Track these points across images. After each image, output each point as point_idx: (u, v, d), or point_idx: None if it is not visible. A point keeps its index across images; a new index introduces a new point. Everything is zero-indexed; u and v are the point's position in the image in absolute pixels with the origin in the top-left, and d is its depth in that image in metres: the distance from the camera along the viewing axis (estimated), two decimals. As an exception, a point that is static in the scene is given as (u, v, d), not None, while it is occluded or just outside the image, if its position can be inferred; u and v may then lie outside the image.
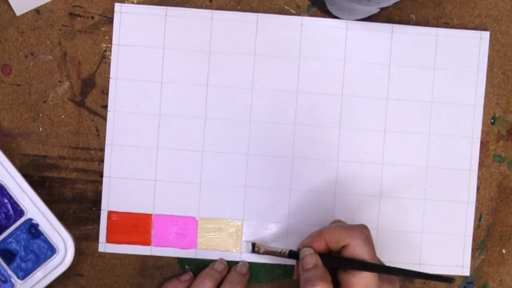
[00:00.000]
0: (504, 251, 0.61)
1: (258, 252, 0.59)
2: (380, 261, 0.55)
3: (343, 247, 0.53)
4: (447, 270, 0.60)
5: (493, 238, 0.61)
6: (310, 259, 0.54)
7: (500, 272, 0.61)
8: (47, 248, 0.57)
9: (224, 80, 0.60)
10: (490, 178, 0.61)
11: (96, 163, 0.60)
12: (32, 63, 0.60)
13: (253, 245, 0.59)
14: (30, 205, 0.57)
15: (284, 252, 0.57)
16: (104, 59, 0.60)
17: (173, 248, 0.60)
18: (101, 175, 0.60)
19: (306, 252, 0.54)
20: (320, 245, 0.54)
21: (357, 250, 0.52)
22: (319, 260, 0.53)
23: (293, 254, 0.56)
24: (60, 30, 0.60)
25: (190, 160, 0.60)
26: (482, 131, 0.61)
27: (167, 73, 0.60)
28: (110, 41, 0.60)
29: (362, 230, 0.53)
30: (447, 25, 0.61)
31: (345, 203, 0.60)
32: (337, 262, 0.54)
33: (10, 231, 0.57)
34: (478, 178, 0.61)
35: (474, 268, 0.61)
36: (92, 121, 0.60)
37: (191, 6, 0.60)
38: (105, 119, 0.60)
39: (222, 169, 0.60)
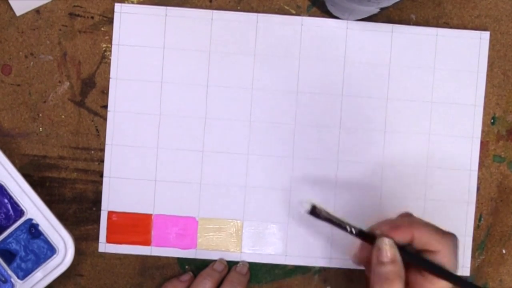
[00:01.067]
0: (504, 251, 0.61)
1: (317, 216, 0.51)
2: None
3: (430, 251, 0.50)
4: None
5: (493, 238, 0.61)
6: (390, 252, 0.50)
7: (500, 272, 0.61)
8: (47, 248, 0.57)
9: (224, 80, 0.60)
10: (490, 178, 0.61)
11: (96, 163, 0.60)
12: (32, 63, 0.60)
13: (314, 207, 0.51)
14: (30, 205, 0.57)
15: (352, 229, 0.51)
16: (104, 59, 0.60)
17: (173, 248, 0.60)
18: (101, 175, 0.60)
19: (387, 243, 0.50)
20: (404, 238, 0.50)
21: (445, 259, 0.50)
22: (398, 255, 0.49)
23: (364, 235, 0.51)
24: (60, 30, 0.60)
25: (190, 160, 0.60)
26: (482, 131, 0.61)
27: (167, 73, 0.60)
28: (110, 41, 0.60)
29: (455, 241, 0.51)
30: (447, 25, 0.61)
31: (345, 203, 0.60)
32: (419, 262, 0.50)
33: (10, 231, 0.57)
34: (478, 178, 0.61)
35: (474, 268, 0.61)
36: (92, 121, 0.60)
37: (191, 6, 0.60)
38: (105, 119, 0.60)
39: (222, 169, 0.60)
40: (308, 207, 0.51)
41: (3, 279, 0.57)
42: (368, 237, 0.51)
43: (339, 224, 0.51)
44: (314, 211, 0.51)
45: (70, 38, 0.60)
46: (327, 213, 0.51)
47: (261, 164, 0.60)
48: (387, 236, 0.50)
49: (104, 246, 0.60)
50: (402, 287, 0.49)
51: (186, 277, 0.59)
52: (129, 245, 0.60)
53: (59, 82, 0.60)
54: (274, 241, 0.60)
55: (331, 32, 0.60)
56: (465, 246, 0.60)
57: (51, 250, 0.57)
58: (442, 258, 0.50)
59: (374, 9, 0.56)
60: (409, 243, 0.51)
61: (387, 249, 0.50)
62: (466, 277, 0.61)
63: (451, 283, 0.49)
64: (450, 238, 0.51)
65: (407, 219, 0.52)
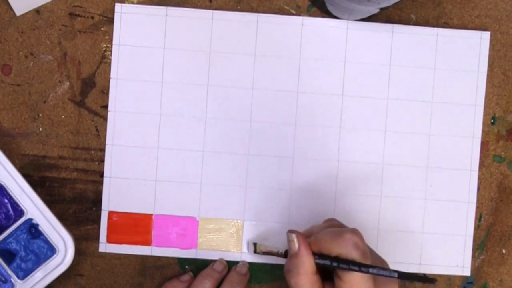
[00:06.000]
0: (504, 251, 0.61)
1: (258, 253, 0.58)
2: (384, 263, 0.53)
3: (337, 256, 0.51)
4: (448, 270, 0.60)
5: (493, 238, 0.61)
6: (295, 245, 0.52)
7: (500, 272, 0.61)
8: (47, 248, 0.57)
9: (225, 80, 0.60)
10: (490, 178, 0.61)
11: (96, 163, 0.60)
12: (32, 63, 0.60)
13: (255, 245, 0.58)
14: (30, 205, 0.57)
15: (281, 252, 0.56)
16: (104, 59, 0.60)
17: (173, 248, 0.60)
18: (101, 175, 0.60)
19: (291, 237, 0.52)
20: (314, 249, 0.51)
21: (350, 257, 0.50)
22: (303, 248, 0.51)
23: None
24: (60, 30, 0.60)
25: (190, 160, 0.60)
26: (482, 131, 0.61)
27: (167, 73, 0.60)
28: (110, 41, 0.60)
29: (350, 237, 0.50)
30: (447, 25, 0.61)
31: (345, 203, 0.60)
32: (324, 259, 0.51)
33: (10, 231, 0.57)
34: (478, 178, 0.61)
35: (474, 268, 0.61)
36: (92, 121, 0.60)
37: (191, 6, 0.60)
38: (105, 119, 0.60)
39: (223, 169, 0.60)
40: (252, 247, 0.59)
41: (3, 279, 0.57)
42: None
43: (271, 252, 0.57)
44: (255, 249, 0.58)
45: (70, 38, 0.60)
46: (263, 247, 0.58)
47: (261, 164, 0.60)
48: (295, 232, 0.52)
49: (105, 246, 0.60)
50: (310, 280, 0.50)
51: (186, 277, 0.59)
52: (129, 245, 0.60)
53: (59, 82, 0.60)
54: (274, 241, 0.60)
55: (331, 32, 0.60)
56: (465, 246, 0.60)
57: (51, 250, 0.57)
58: (347, 257, 0.50)
59: (374, 9, 0.56)
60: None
61: (292, 243, 0.52)
62: (465, 276, 0.61)
63: (360, 272, 0.49)
64: (345, 236, 0.50)
65: (316, 230, 0.54)
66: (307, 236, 0.53)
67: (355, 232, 0.50)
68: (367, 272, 0.49)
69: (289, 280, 0.51)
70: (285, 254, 0.55)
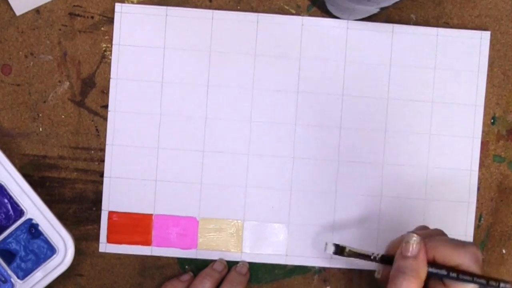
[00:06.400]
0: (504, 251, 0.61)
1: (341, 254, 0.54)
2: None
3: (451, 266, 0.51)
4: (447, 270, 0.60)
5: (493, 238, 0.61)
6: (415, 248, 0.50)
7: (500, 272, 0.61)
8: (47, 248, 0.57)
9: (225, 80, 0.60)
10: (490, 178, 0.61)
11: (96, 163, 0.60)
12: (32, 63, 0.60)
13: (336, 246, 0.54)
14: (30, 205, 0.57)
15: (375, 256, 0.54)
16: (104, 59, 0.60)
17: (173, 248, 0.60)
18: (101, 175, 0.60)
19: (414, 239, 0.51)
20: (429, 256, 0.51)
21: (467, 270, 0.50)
22: (423, 254, 0.50)
23: (387, 259, 0.53)
24: (60, 30, 0.60)
25: (190, 160, 0.60)
26: (482, 131, 0.61)
27: (167, 73, 0.60)
28: (110, 41, 0.60)
29: (475, 252, 0.50)
30: (447, 25, 0.61)
31: (345, 203, 0.60)
32: (441, 272, 0.51)
33: (10, 231, 0.57)
34: (478, 178, 0.61)
35: (474, 268, 0.61)
36: (92, 121, 0.60)
37: (191, 6, 0.60)
38: (105, 119, 0.60)
39: (223, 169, 0.60)
40: (332, 248, 0.54)
41: (3, 279, 0.57)
42: (390, 261, 0.53)
43: (361, 255, 0.54)
44: (338, 251, 0.54)
45: (70, 38, 0.60)
46: (349, 248, 0.54)
47: (261, 164, 0.60)
48: (415, 234, 0.51)
49: (105, 246, 0.60)
50: (418, 286, 0.50)
51: (186, 277, 0.59)
52: (129, 245, 0.60)
53: (59, 82, 0.60)
54: (274, 241, 0.60)
55: (331, 32, 0.60)
56: (465, 246, 0.61)
57: (51, 250, 0.57)
58: (467, 268, 0.50)
59: (374, 9, 0.56)
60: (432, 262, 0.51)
61: (413, 244, 0.51)
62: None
63: (474, 283, 0.50)
64: (470, 250, 0.50)
65: (428, 239, 0.52)
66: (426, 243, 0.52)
67: (477, 245, 0.51)
68: (486, 285, 0.50)
69: (397, 281, 0.50)
70: (380, 259, 0.54)
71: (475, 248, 0.50)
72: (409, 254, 0.51)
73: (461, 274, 0.50)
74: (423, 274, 0.50)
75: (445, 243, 0.51)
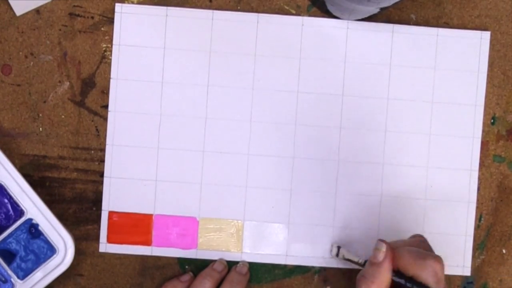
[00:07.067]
0: (504, 251, 0.61)
1: (340, 257, 0.59)
2: None
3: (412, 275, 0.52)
4: (448, 270, 0.60)
5: (493, 238, 0.61)
6: (380, 255, 0.52)
7: (500, 272, 0.61)
8: (47, 248, 0.57)
9: (225, 80, 0.60)
10: (490, 178, 0.61)
11: (96, 163, 0.60)
12: (32, 63, 0.60)
13: (338, 248, 0.59)
14: (30, 205, 0.57)
15: (361, 262, 0.57)
16: (104, 59, 0.60)
17: (174, 248, 0.60)
18: (101, 175, 0.60)
19: (378, 247, 0.53)
20: (393, 264, 0.52)
21: (426, 282, 0.51)
22: (387, 261, 0.52)
23: None
24: (60, 30, 0.60)
25: (190, 160, 0.60)
26: (482, 131, 0.61)
27: (167, 73, 0.60)
28: (110, 41, 0.60)
29: (432, 264, 0.51)
30: (447, 25, 0.61)
31: (345, 203, 0.60)
32: (400, 278, 0.52)
33: (10, 231, 0.57)
34: (478, 178, 0.61)
35: (474, 268, 0.61)
36: (92, 121, 0.60)
37: (191, 6, 0.60)
38: (105, 119, 0.60)
39: (223, 169, 0.60)
40: (335, 250, 0.59)
41: (3, 279, 0.57)
42: None
43: (352, 260, 0.57)
44: (338, 253, 0.59)
45: (70, 38, 0.60)
46: (345, 254, 0.58)
47: (261, 164, 0.60)
48: (386, 242, 0.53)
49: (105, 246, 0.60)
50: None
51: (186, 277, 0.59)
52: (129, 245, 0.60)
53: (59, 82, 0.60)
54: (274, 241, 0.60)
55: (331, 32, 0.60)
56: (465, 246, 0.60)
57: (51, 250, 0.57)
58: (423, 281, 0.51)
59: (374, 9, 0.56)
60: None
61: (376, 251, 0.53)
62: (466, 277, 0.61)
63: None
64: (428, 262, 0.51)
65: (399, 245, 0.54)
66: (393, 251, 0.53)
67: (438, 259, 0.52)
68: None
69: (360, 285, 0.52)
70: (363, 264, 0.56)
71: (435, 262, 0.51)
72: (375, 261, 0.52)
73: (415, 285, 0.51)
74: (384, 281, 0.52)
75: (408, 253, 0.52)
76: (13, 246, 0.57)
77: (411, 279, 0.51)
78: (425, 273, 0.51)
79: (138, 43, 0.60)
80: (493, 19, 0.61)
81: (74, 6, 0.60)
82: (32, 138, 0.60)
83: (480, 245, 0.61)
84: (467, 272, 0.61)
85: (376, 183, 0.60)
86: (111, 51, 0.60)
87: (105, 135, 0.60)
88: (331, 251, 0.60)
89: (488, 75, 0.61)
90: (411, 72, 0.60)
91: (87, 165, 0.60)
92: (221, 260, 0.60)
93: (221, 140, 0.60)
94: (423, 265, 0.51)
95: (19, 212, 0.57)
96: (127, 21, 0.60)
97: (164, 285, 0.59)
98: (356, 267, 0.57)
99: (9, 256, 0.57)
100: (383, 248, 0.52)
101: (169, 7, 0.60)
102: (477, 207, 0.61)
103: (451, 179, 0.60)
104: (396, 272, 0.52)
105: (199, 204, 0.60)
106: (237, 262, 0.60)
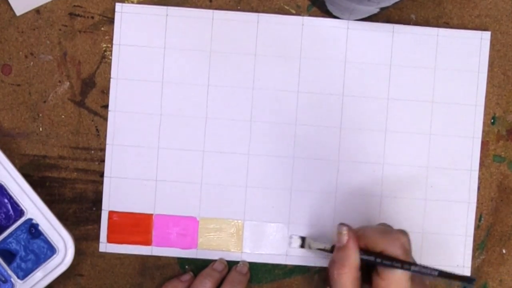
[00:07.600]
0: (504, 251, 0.61)
1: (306, 248, 0.59)
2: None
3: (379, 252, 0.52)
4: (448, 270, 0.60)
5: (493, 238, 0.61)
6: (343, 237, 0.53)
7: (500, 272, 0.61)
8: (47, 248, 0.57)
9: (225, 80, 0.60)
10: (490, 178, 0.61)
11: (96, 163, 0.60)
12: (32, 63, 0.60)
13: (302, 239, 0.59)
14: (30, 205, 0.57)
15: (328, 248, 0.57)
16: (104, 59, 0.60)
17: (174, 248, 0.60)
18: (101, 175, 0.60)
19: (339, 230, 0.53)
20: (360, 244, 0.53)
21: (393, 255, 0.51)
22: (351, 242, 0.52)
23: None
24: (60, 30, 0.60)
25: (191, 160, 0.60)
26: (482, 131, 0.61)
27: (168, 73, 0.60)
28: (110, 41, 0.60)
29: (398, 237, 0.52)
30: (447, 25, 0.61)
31: (346, 203, 0.60)
32: (369, 256, 0.52)
33: (10, 231, 0.57)
34: (478, 178, 0.61)
35: (474, 268, 0.61)
36: (92, 121, 0.60)
37: (191, 6, 0.60)
38: (105, 119, 0.60)
39: (223, 169, 0.60)
40: (299, 241, 0.59)
41: (3, 279, 0.57)
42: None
43: (321, 248, 0.57)
44: (303, 244, 0.59)
45: (70, 38, 0.60)
46: (313, 243, 0.58)
47: (261, 164, 0.60)
48: (346, 225, 0.54)
49: (105, 246, 0.60)
50: (353, 274, 0.51)
51: (187, 277, 0.59)
52: (129, 245, 0.60)
53: (59, 82, 0.60)
54: (274, 241, 0.60)
55: (331, 32, 0.60)
56: (465, 246, 0.61)
57: (51, 250, 0.57)
58: (392, 254, 0.51)
59: (374, 9, 0.56)
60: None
61: (340, 235, 0.53)
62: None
63: (401, 269, 0.51)
64: (393, 235, 0.52)
65: (365, 227, 0.55)
66: (356, 232, 0.54)
67: (403, 232, 0.52)
68: (409, 270, 0.51)
69: (332, 272, 0.52)
70: (331, 250, 0.56)
71: (401, 235, 0.52)
72: (340, 244, 0.53)
73: (384, 259, 0.51)
74: (354, 261, 0.52)
75: (373, 231, 0.53)
76: (13, 246, 0.57)
77: (379, 254, 0.52)
78: (392, 247, 0.51)
79: (138, 43, 0.60)
80: (493, 19, 0.61)
81: (74, 6, 0.60)
82: (32, 138, 0.60)
83: (480, 245, 0.61)
84: (467, 272, 0.61)
85: (376, 183, 0.60)
86: (111, 51, 0.60)
87: (105, 135, 0.60)
88: (290, 244, 0.60)
89: (488, 75, 0.61)
90: (411, 72, 0.60)
91: (87, 165, 0.60)
92: (221, 260, 0.60)
93: (221, 140, 0.60)
94: (390, 239, 0.52)
95: (19, 212, 0.57)
96: (127, 21, 0.60)
97: (164, 285, 0.59)
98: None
99: (9, 256, 0.57)
100: (344, 230, 0.53)
101: (169, 7, 0.60)
102: (477, 207, 0.61)
103: (451, 179, 0.60)
104: (365, 251, 0.52)
105: (199, 204, 0.60)
106: (237, 262, 0.60)
